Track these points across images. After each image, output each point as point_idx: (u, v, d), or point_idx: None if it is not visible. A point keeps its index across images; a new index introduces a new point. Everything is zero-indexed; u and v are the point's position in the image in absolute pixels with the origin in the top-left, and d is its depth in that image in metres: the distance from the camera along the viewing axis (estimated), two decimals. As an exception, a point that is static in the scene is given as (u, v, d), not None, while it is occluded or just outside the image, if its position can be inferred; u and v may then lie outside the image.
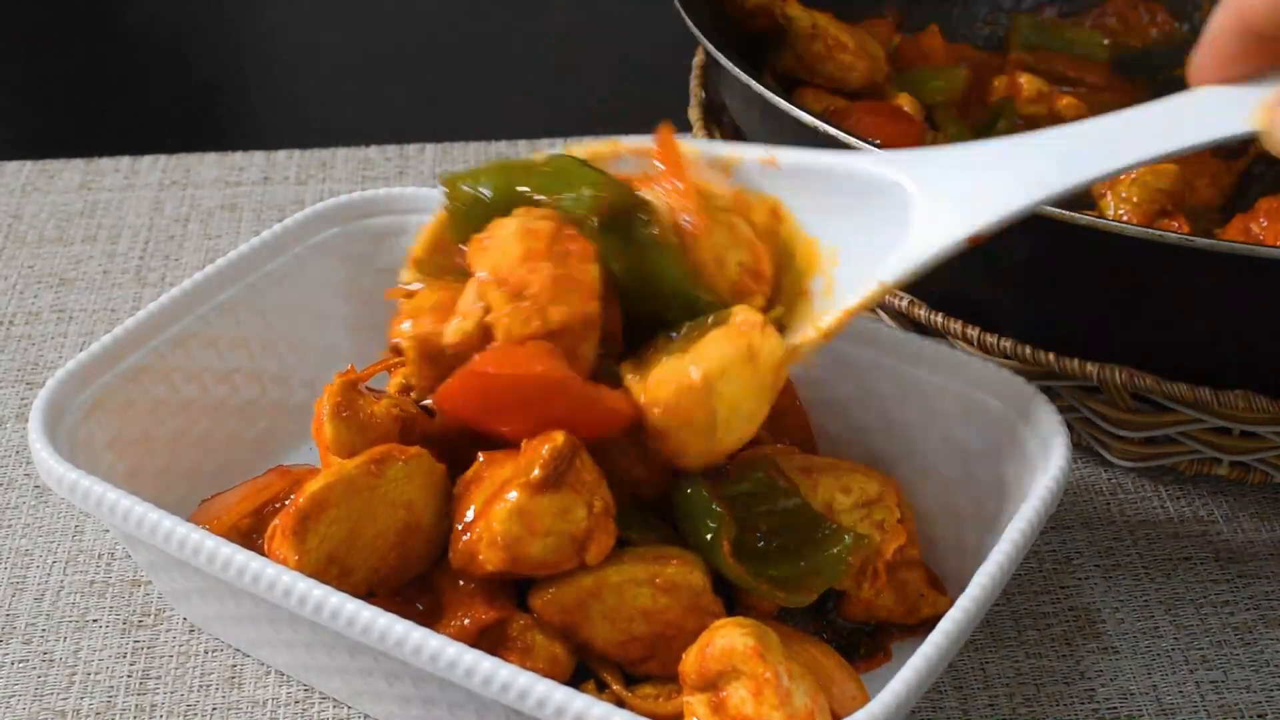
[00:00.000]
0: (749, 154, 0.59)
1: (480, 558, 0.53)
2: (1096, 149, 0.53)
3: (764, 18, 0.87)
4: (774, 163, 0.58)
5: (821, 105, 0.86)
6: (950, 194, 0.54)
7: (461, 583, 0.54)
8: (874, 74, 0.86)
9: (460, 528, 0.54)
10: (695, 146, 0.59)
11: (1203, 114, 0.53)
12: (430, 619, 0.53)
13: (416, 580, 0.56)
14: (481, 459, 0.54)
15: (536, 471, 0.52)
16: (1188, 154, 0.53)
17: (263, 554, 0.54)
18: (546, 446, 0.52)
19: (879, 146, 0.63)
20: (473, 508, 0.53)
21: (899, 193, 0.55)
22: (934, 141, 0.83)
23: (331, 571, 0.52)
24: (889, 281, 0.54)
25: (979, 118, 0.90)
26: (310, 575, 0.51)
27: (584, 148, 0.60)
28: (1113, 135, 0.54)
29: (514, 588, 0.55)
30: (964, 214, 0.54)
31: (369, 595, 0.54)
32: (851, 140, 0.65)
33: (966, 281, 0.70)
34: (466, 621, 0.53)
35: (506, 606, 0.54)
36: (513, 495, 0.52)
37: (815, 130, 0.70)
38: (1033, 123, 0.89)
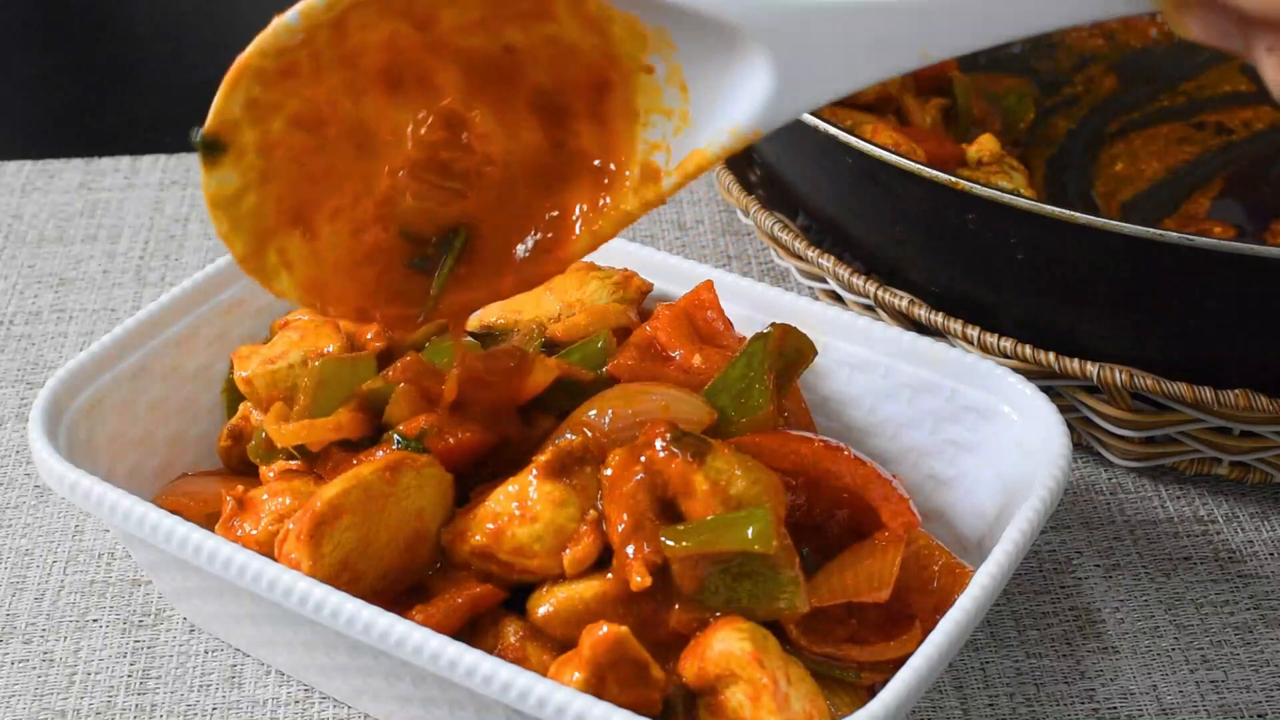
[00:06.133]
0: None
1: (468, 532, 0.53)
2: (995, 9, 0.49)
3: None
4: None
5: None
6: (822, 46, 0.50)
7: (451, 571, 0.55)
8: (886, 87, 0.87)
9: (459, 510, 0.55)
10: None
11: None
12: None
13: (413, 587, 0.55)
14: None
15: (546, 456, 0.53)
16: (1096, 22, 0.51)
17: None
18: (566, 438, 0.54)
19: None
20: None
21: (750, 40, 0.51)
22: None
23: (343, 578, 0.52)
24: (743, 128, 0.51)
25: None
26: (323, 581, 0.51)
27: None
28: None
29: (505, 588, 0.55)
30: (841, 70, 0.50)
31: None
32: (854, 142, 0.65)
33: (966, 281, 0.70)
34: (459, 600, 0.53)
35: (497, 591, 0.54)
36: (517, 481, 0.53)
37: (815, 130, 0.70)
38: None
